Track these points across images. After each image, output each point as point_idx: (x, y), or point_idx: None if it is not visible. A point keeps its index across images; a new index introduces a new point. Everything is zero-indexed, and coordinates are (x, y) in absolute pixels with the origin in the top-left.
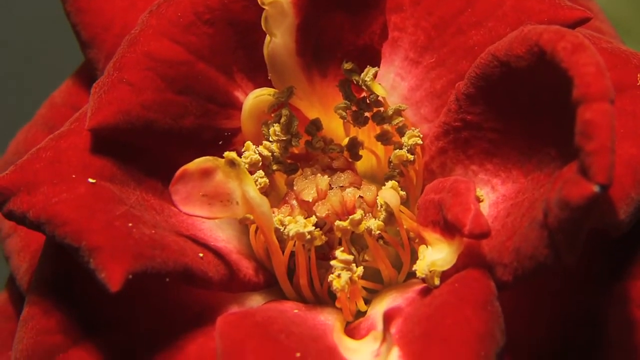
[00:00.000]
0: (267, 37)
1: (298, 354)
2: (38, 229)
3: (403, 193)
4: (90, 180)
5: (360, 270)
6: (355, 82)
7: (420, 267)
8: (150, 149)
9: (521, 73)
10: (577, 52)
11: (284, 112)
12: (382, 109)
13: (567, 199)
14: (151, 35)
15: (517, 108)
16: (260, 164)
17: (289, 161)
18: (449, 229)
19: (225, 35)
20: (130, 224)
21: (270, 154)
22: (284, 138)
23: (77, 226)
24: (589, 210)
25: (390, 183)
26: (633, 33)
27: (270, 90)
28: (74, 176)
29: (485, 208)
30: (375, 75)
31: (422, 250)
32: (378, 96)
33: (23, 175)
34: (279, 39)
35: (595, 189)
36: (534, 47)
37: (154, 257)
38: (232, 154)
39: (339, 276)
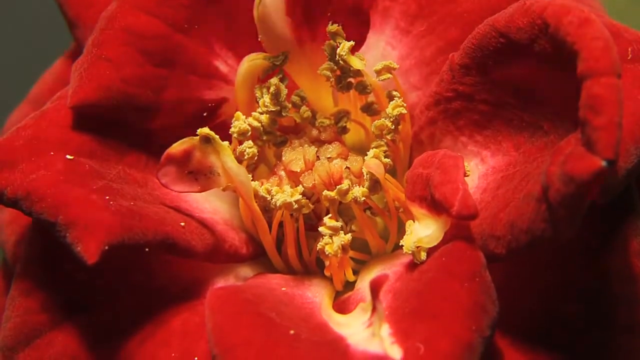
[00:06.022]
0: None
1: (292, 331)
2: (15, 205)
3: (387, 160)
4: (68, 156)
5: (348, 237)
6: (338, 45)
7: (407, 243)
8: (133, 124)
9: (520, 45)
10: (583, 26)
11: (273, 81)
12: (363, 78)
13: (572, 174)
14: (127, 9)
15: (511, 81)
16: (250, 133)
17: (278, 133)
18: (436, 207)
19: (201, 5)
20: (107, 197)
21: (259, 124)
22: (273, 109)
23: (53, 201)
24: (593, 184)
25: (372, 151)
26: (627, 23)
27: (265, 55)
28: (52, 153)
29: (474, 179)
30: (353, 49)
31: (409, 225)
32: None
33: (1, 153)
34: None
35: (602, 163)
36: (536, 20)
37: (131, 228)
38: (205, 130)
39: (331, 240)
